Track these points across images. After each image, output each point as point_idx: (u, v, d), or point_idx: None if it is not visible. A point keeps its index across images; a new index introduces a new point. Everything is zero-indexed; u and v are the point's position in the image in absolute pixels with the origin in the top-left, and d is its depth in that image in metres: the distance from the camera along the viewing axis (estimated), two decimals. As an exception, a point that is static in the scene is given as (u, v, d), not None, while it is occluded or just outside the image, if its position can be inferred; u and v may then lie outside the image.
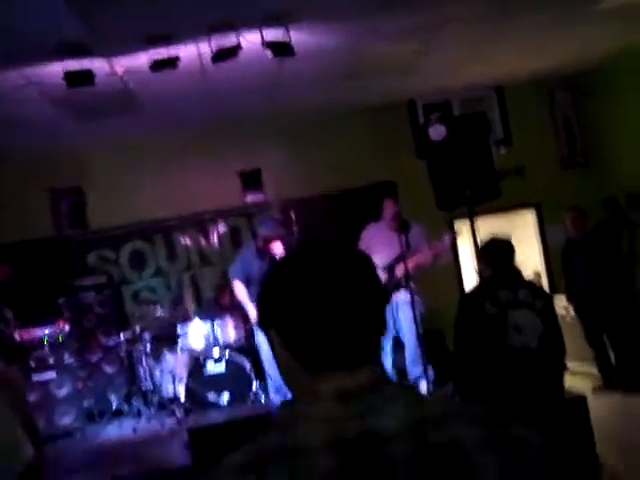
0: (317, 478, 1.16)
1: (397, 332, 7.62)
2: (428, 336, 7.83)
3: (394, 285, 7.52)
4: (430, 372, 7.39)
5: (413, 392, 1.31)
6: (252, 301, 7.32)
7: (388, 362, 7.79)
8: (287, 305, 1.29)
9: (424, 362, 7.33)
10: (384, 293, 1.36)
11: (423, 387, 7.27)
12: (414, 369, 7.58)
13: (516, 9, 6.95)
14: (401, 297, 7.42)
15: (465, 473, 1.16)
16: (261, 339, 7.35)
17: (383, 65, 8.10)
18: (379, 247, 7.55)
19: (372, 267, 1.36)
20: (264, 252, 7.51)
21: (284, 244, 7.49)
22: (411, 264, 7.39)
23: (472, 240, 6.29)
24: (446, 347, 8.30)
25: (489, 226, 6.79)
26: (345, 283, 1.30)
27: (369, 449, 1.18)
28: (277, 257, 7.19)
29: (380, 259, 7.58)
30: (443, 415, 1.23)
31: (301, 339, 1.28)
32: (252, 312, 7.38)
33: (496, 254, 4.97)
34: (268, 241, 7.49)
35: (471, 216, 6.44)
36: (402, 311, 7.46)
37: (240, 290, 7.64)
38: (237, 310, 8.36)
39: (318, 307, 1.27)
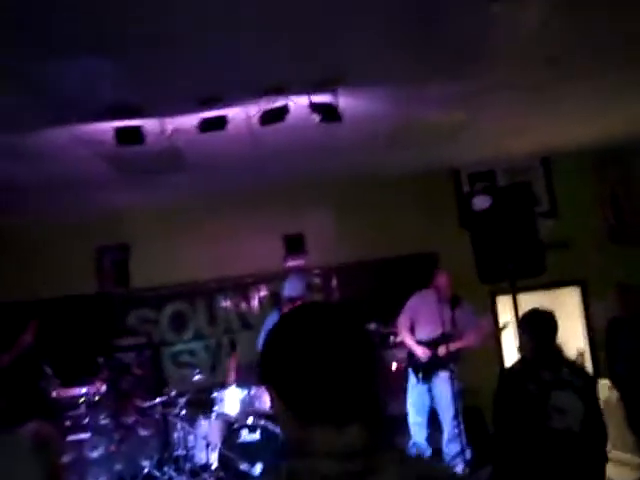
0: None
1: (435, 409, 7.46)
2: (467, 414, 7.63)
3: (435, 363, 7.37)
4: (467, 453, 7.18)
5: (403, 453, 1.43)
6: None
7: (421, 436, 7.60)
8: (281, 361, 1.44)
9: (462, 441, 7.14)
10: (373, 355, 1.48)
11: (459, 468, 7.06)
12: (451, 448, 7.36)
13: (576, 74, 6.71)
14: (441, 374, 7.28)
15: None
16: None
17: (429, 133, 8.06)
18: (425, 319, 7.46)
19: (363, 330, 1.47)
20: None
21: None
22: (456, 345, 7.29)
23: (514, 316, 6.12)
24: (485, 426, 8.05)
25: (532, 302, 6.64)
26: (334, 344, 1.42)
27: None
28: None
29: (424, 332, 7.48)
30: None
31: (292, 393, 1.41)
32: None
33: (539, 325, 4.81)
34: (293, 302, 7.33)
35: (513, 291, 6.27)
36: (441, 388, 7.33)
37: None
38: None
39: (307, 364, 1.40)
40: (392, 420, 8.46)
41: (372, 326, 8.50)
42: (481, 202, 6.41)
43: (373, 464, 1.31)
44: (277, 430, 7.77)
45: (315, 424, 1.38)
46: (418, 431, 7.63)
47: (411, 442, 7.65)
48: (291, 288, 7.33)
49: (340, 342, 1.41)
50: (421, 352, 7.47)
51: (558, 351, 4.80)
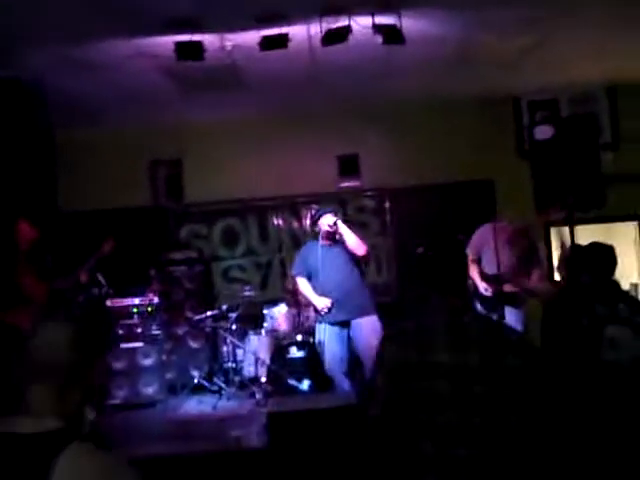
0: None
1: None
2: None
3: (500, 299, 7.31)
4: None
5: None
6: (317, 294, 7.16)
7: None
8: None
9: None
10: None
11: None
12: None
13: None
14: (507, 311, 7.27)
15: None
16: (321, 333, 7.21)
17: (492, 57, 7.89)
18: (490, 253, 7.32)
19: None
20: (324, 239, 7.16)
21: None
22: (520, 286, 7.24)
23: (570, 248, 6.06)
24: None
25: (587, 235, 6.55)
26: None
27: None
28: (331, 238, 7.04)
29: (489, 266, 7.37)
30: None
31: None
32: (319, 304, 7.17)
33: (598, 258, 4.75)
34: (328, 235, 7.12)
35: (571, 224, 6.20)
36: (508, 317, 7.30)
37: (304, 285, 7.36)
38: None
39: None
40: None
41: (419, 250, 8.40)
42: (543, 132, 6.29)
43: None
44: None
45: None
46: None
47: None
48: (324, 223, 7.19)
49: None
50: (483, 288, 7.43)
51: (615, 286, 4.74)
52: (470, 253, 7.50)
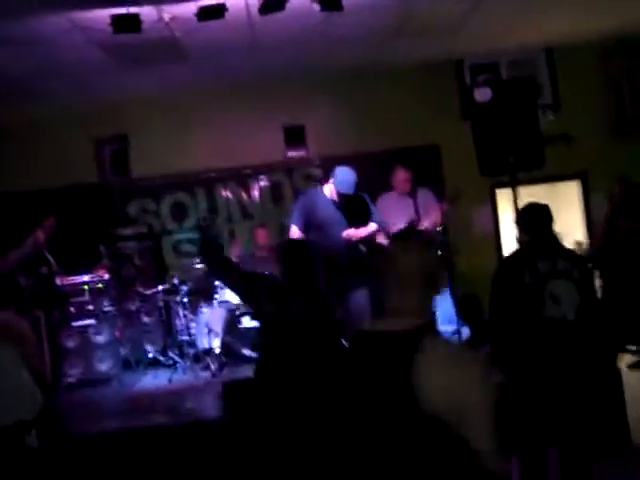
0: None
1: None
2: (465, 300, 7.83)
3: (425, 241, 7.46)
4: (466, 331, 7.42)
5: None
6: None
7: None
8: None
9: (458, 322, 7.40)
10: None
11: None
12: (447, 327, 7.60)
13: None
14: None
15: None
16: None
17: (432, 23, 7.94)
18: (393, 215, 7.62)
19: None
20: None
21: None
22: (421, 227, 7.52)
23: (514, 208, 6.17)
24: (482, 312, 8.27)
25: (532, 195, 6.66)
26: None
27: None
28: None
29: (395, 227, 7.61)
30: None
31: None
32: None
33: (534, 219, 4.84)
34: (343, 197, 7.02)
35: (513, 184, 6.32)
36: None
37: (295, 234, 7.10)
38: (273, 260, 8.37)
39: None
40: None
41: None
42: (483, 94, 6.39)
43: None
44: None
45: None
46: None
47: None
48: (343, 183, 7.10)
49: None
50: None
51: (555, 242, 4.85)
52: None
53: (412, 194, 7.83)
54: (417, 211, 7.68)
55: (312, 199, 7.14)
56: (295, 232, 7.02)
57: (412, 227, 7.59)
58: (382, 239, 7.50)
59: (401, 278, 2.55)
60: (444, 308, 7.60)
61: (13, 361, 4.58)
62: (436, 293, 2.66)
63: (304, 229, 6.98)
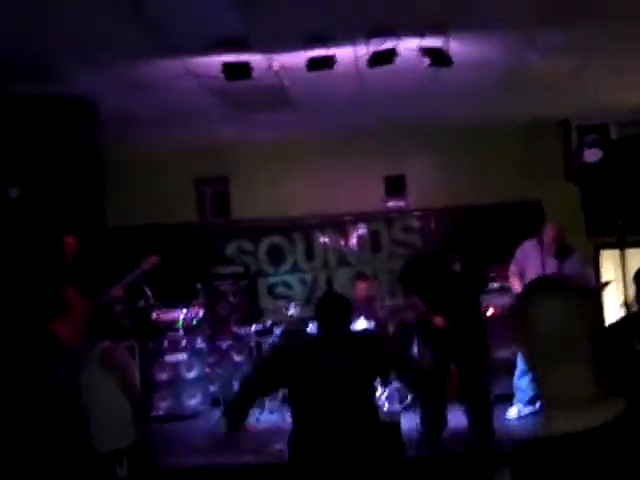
0: None
1: None
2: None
3: None
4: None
5: None
6: None
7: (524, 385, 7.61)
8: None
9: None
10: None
11: None
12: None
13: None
14: None
15: None
16: None
17: (539, 81, 7.86)
18: (532, 268, 7.36)
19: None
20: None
21: None
22: None
23: (621, 271, 6.03)
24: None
25: (638, 258, 6.49)
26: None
27: None
28: None
29: (530, 278, 7.39)
30: None
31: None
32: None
33: None
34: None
35: (621, 246, 6.19)
36: None
37: None
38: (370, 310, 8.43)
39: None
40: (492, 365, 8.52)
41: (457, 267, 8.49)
42: (593, 155, 6.30)
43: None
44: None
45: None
46: (521, 380, 7.66)
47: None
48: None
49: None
50: None
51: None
52: (513, 268, 7.58)
53: (561, 255, 7.36)
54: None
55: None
56: None
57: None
58: (517, 288, 7.47)
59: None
60: None
61: (114, 389, 4.73)
62: None
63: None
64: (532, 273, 7.46)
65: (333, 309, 4.64)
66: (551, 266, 7.31)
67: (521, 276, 7.53)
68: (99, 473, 4.53)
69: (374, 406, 4.79)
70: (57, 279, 6.73)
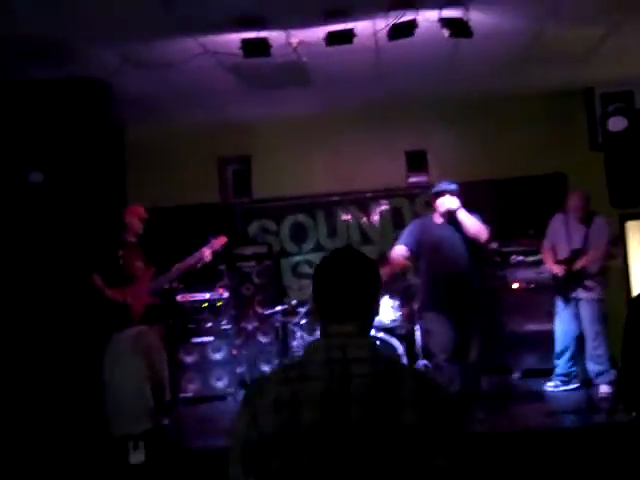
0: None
1: (581, 330, 7.48)
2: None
3: (571, 279, 7.34)
4: (611, 374, 7.15)
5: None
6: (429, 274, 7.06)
7: (563, 364, 7.61)
8: (315, 283, 2.23)
9: (604, 362, 7.26)
10: (373, 283, 2.22)
11: (604, 389, 7.19)
12: (592, 367, 7.39)
13: None
14: (583, 295, 7.31)
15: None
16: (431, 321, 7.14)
17: (563, 50, 7.72)
18: (562, 240, 7.50)
19: (369, 265, 2.24)
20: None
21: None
22: (587, 258, 7.29)
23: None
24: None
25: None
26: (344, 273, 2.19)
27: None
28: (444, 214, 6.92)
29: (562, 253, 7.51)
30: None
31: (319, 304, 2.22)
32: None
33: None
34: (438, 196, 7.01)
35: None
36: (583, 309, 7.36)
37: (401, 252, 7.09)
38: (397, 291, 8.35)
39: (325, 286, 2.20)
40: (512, 336, 8.53)
41: (493, 245, 8.47)
42: (617, 123, 6.19)
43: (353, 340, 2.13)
44: (394, 343, 7.93)
45: (328, 321, 2.19)
46: (561, 360, 7.67)
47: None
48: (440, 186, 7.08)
49: (348, 272, 2.19)
50: (556, 269, 7.53)
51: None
52: (546, 244, 7.80)
53: (587, 221, 7.42)
54: (587, 240, 7.42)
55: (424, 223, 7.17)
56: (401, 250, 7.00)
57: (575, 257, 7.41)
58: (548, 262, 7.67)
59: None
60: (587, 346, 7.44)
61: (137, 374, 4.70)
62: None
63: (415, 252, 6.97)
64: (560, 245, 7.52)
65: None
66: (578, 233, 7.42)
67: (553, 251, 7.69)
68: (111, 456, 4.52)
69: None
70: (125, 250, 6.89)
